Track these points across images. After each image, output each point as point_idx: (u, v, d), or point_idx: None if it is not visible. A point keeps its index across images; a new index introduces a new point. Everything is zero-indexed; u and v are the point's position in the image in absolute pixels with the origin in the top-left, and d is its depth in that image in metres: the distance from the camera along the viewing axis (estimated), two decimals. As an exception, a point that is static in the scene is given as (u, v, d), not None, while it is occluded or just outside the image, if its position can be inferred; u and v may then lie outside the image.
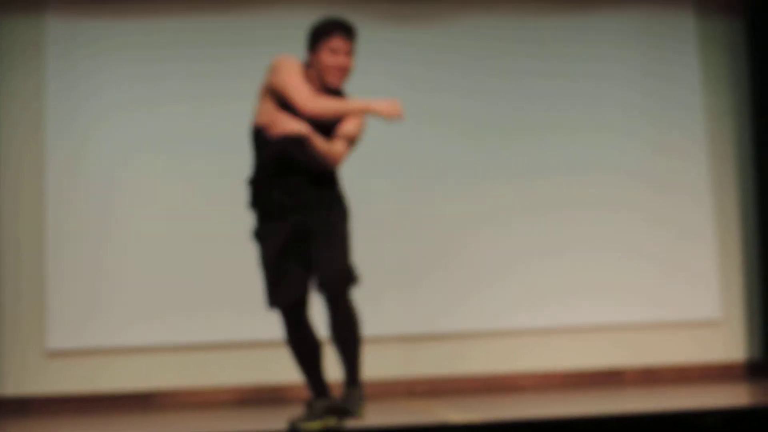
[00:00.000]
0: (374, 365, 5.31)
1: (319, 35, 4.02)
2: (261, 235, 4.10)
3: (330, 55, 3.98)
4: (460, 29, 6.29)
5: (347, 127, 4.01)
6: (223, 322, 5.99)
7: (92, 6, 6.07)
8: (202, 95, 6.09)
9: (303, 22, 5.99)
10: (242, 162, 5.69)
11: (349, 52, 4.00)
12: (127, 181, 6.04)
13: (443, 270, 6.16)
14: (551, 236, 6.23)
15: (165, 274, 5.99)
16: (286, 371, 5.19)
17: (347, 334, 3.90)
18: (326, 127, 3.99)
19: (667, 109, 6.38)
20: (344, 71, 4.00)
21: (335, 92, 4.05)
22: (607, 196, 6.29)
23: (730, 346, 6.30)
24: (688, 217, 6.33)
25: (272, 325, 4.83)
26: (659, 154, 6.35)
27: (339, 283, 3.86)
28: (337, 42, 3.98)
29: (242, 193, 5.52)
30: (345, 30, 4.01)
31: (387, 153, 6.08)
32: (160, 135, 6.06)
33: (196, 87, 6.09)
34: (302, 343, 4.05)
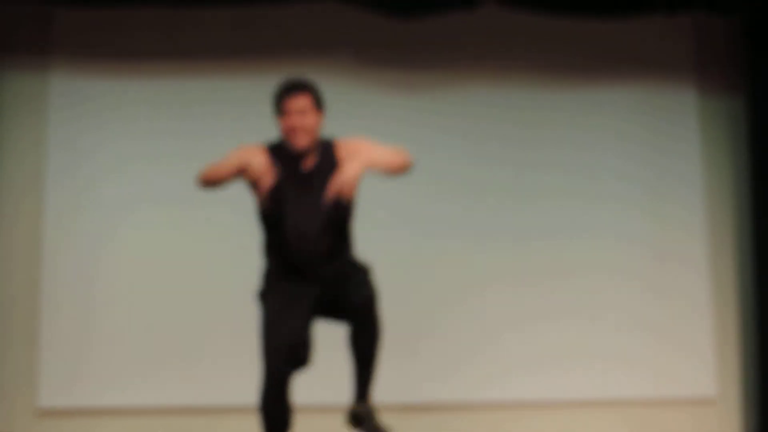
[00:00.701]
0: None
1: (274, 104, 4.02)
2: (269, 291, 4.05)
3: (284, 118, 3.97)
4: (466, 98, 6.35)
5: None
6: (218, 385, 5.96)
7: (95, 65, 6.13)
8: (201, 154, 6.09)
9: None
10: (238, 221, 5.73)
11: (304, 109, 3.93)
12: (122, 239, 6.04)
13: (434, 337, 6.14)
14: (544, 304, 6.22)
15: (160, 334, 5.97)
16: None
17: (369, 346, 3.97)
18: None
19: (666, 181, 6.40)
20: (299, 131, 3.93)
21: (303, 153, 3.95)
22: (603, 265, 6.29)
23: (725, 424, 6.26)
24: (685, 289, 6.33)
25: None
26: (658, 226, 6.37)
27: (368, 299, 3.92)
28: (287, 103, 3.95)
29: (237, 254, 5.58)
30: (290, 87, 3.97)
31: (379, 216, 6.05)
32: (157, 194, 6.07)
33: (194, 146, 6.08)
34: (285, 412, 3.93)
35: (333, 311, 4.05)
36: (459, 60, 6.35)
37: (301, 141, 3.95)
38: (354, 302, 3.95)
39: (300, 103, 3.94)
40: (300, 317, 3.94)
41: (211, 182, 3.98)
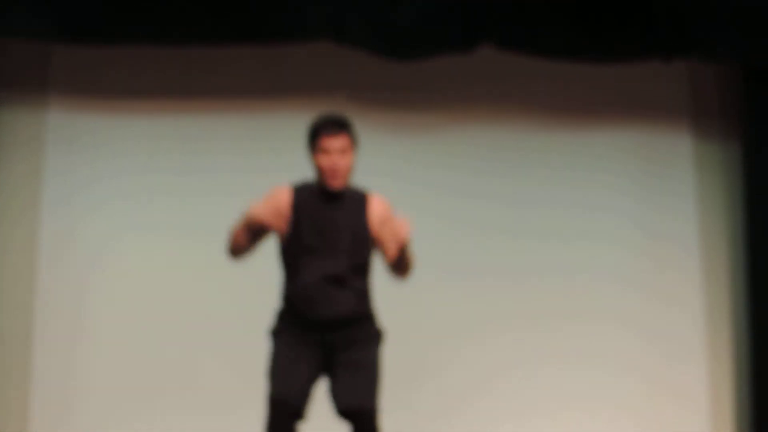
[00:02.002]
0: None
1: (310, 138, 3.91)
2: (279, 334, 3.98)
3: (322, 157, 3.86)
4: (461, 141, 6.35)
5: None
6: (212, 419, 5.91)
7: (93, 102, 6.15)
8: (195, 192, 6.14)
9: (300, 122, 6.12)
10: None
11: (344, 149, 3.84)
12: (116, 275, 6.02)
13: (430, 381, 6.10)
14: (537, 347, 6.18)
15: (152, 369, 5.93)
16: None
17: None
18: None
19: (662, 227, 6.39)
20: (339, 171, 3.86)
21: (337, 195, 3.88)
22: (598, 309, 6.26)
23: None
24: (680, 334, 6.29)
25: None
26: (653, 273, 6.35)
27: (369, 413, 3.80)
28: (326, 141, 3.84)
29: (233, 289, 5.57)
30: (332, 125, 3.86)
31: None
32: (151, 231, 6.07)
33: (193, 186, 6.13)
34: None
35: (333, 383, 3.95)
36: (454, 102, 6.37)
37: (339, 183, 3.87)
38: (353, 406, 3.84)
39: (341, 142, 3.84)
40: (302, 376, 3.86)
41: (235, 252, 3.94)
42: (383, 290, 5.88)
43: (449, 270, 6.23)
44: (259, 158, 6.13)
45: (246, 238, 3.90)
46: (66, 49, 6.10)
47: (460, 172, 6.35)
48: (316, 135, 3.88)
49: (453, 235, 6.28)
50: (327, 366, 3.93)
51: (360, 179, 6.13)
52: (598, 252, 6.34)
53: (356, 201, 3.95)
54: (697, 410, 6.24)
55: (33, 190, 6.08)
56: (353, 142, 3.90)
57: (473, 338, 6.19)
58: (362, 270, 3.95)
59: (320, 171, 3.89)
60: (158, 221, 6.09)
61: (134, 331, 5.99)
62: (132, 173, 6.12)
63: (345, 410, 3.84)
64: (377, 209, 3.97)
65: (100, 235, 6.05)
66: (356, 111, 6.24)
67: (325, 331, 3.89)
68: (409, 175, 6.28)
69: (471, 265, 6.27)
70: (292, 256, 3.92)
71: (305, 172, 5.39)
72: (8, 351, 5.93)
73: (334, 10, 5.79)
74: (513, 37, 6.01)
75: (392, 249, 3.77)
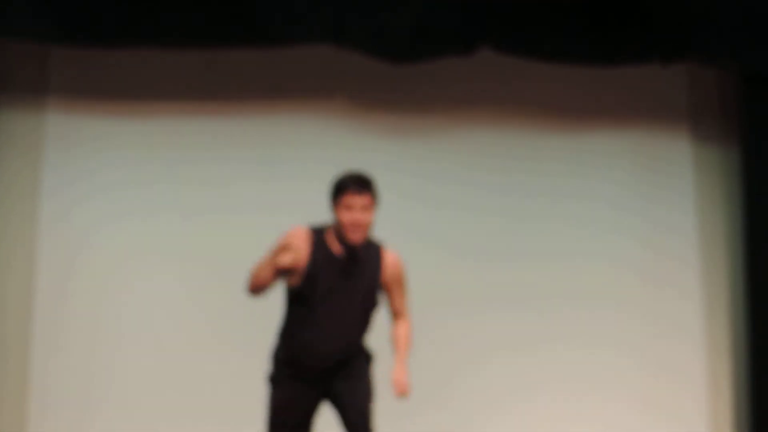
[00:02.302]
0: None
1: (334, 193, 4.06)
2: (276, 381, 4.20)
3: (345, 212, 4.00)
4: (460, 143, 6.36)
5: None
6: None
7: (92, 105, 6.13)
8: (202, 201, 6.11)
9: (303, 129, 6.15)
10: (239, 273, 5.70)
11: (366, 206, 4.00)
12: (119, 286, 6.00)
13: (435, 406, 6.07)
14: (535, 374, 6.18)
15: (155, 390, 5.91)
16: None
17: None
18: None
19: (660, 231, 6.40)
20: (360, 227, 3.99)
21: (354, 248, 4.05)
22: (595, 330, 6.26)
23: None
24: (677, 349, 6.30)
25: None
26: (650, 276, 6.35)
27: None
28: (350, 198, 3.99)
29: (237, 308, 5.54)
30: (357, 184, 4.02)
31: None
32: (155, 242, 6.05)
33: (196, 192, 6.11)
34: None
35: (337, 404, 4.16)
36: (454, 105, 6.37)
37: (359, 238, 4.02)
38: (359, 419, 4.07)
39: (365, 200, 4.01)
40: (299, 425, 4.14)
41: (257, 291, 4.10)
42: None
43: (452, 268, 6.22)
44: (259, 160, 6.12)
45: (271, 279, 4.06)
46: (64, 50, 6.09)
47: (459, 175, 6.35)
48: (340, 191, 4.04)
49: (452, 238, 6.27)
50: (326, 393, 4.16)
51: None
52: (596, 266, 6.32)
53: (371, 258, 4.14)
54: (696, 393, 6.26)
55: (31, 192, 6.05)
56: (375, 201, 4.07)
57: (473, 319, 6.17)
58: (363, 318, 4.16)
59: (342, 225, 4.04)
60: (157, 223, 6.06)
61: (134, 330, 5.97)
62: (131, 175, 6.10)
63: (354, 423, 4.07)
64: (390, 265, 4.17)
65: (100, 237, 6.02)
66: (356, 113, 6.28)
67: (324, 372, 4.12)
68: (409, 177, 6.27)
69: (474, 255, 6.25)
70: (300, 304, 4.11)
71: (303, 173, 5.42)
72: (6, 351, 5.90)
73: (335, 13, 5.80)
74: (512, 40, 6.03)
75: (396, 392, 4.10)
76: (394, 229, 6.06)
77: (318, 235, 4.09)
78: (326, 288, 4.03)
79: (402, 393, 4.04)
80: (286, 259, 3.92)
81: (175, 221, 6.05)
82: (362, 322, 4.15)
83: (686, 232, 6.41)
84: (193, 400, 5.91)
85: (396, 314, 4.23)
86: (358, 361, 4.15)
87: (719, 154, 6.53)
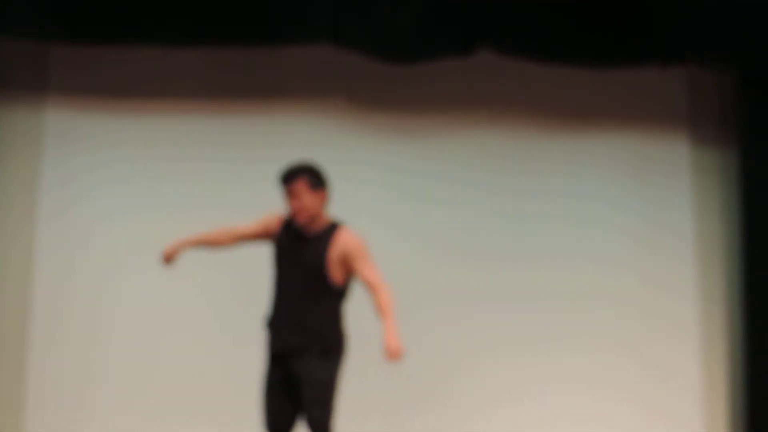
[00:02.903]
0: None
1: None
2: (266, 359, 4.56)
3: (286, 202, 4.52)
4: (458, 144, 6.35)
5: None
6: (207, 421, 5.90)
7: (91, 103, 6.12)
8: (200, 199, 6.09)
9: (305, 127, 6.15)
10: (237, 270, 5.72)
11: (294, 193, 4.46)
12: (118, 285, 5.99)
13: (433, 402, 6.08)
14: (541, 373, 6.17)
15: (152, 385, 5.91)
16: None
17: None
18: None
19: (657, 232, 6.40)
20: (297, 212, 4.46)
21: (306, 230, 4.49)
22: (593, 330, 6.25)
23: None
24: (674, 350, 6.30)
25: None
26: (647, 278, 6.34)
27: (321, 426, 4.30)
28: (283, 190, 4.51)
29: (234, 304, 5.55)
30: (282, 178, 4.51)
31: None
32: (153, 239, 5.99)
33: (194, 189, 6.10)
34: None
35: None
36: (453, 105, 6.37)
37: (302, 219, 4.48)
38: (308, 419, 4.36)
39: (293, 188, 4.48)
40: (277, 402, 4.46)
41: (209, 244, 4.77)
42: (391, 268, 6.00)
43: (450, 267, 6.22)
44: (257, 159, 6.11)
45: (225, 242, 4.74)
46: (63, 48, 6.08)
47: (458, 175, 6.34)
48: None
49: (451, 237, 6.26)
50: (289, 379, 4.46)
51: (359, 180, 6.17)
52: (594, 267, 6.32)
53: (323, 237, 4.49)
54: (692, 392, 6.26)
55: (30, 189, 6.04)
56: (312, 184, 4.50)
57: (472, 318, 6.18)
58: (317, 299, 4.42)
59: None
60: (156, 219, 6.03)
61: (132, 325, 5.97)
62: (129, 172, 6.09)
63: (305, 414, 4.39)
64: (340, 242, 4.46)
65: (98, 233, 6.01)
66: (356, 113, 6.28)
67: (285, 360, 4.46)
68: (408, 177, 6.28)
69: (473, 255, 6.25)
70: (272, 283, 4.56)
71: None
72: (4, 344, 5.90)
73: (334, 12, 5.80)
74: (511, 42, 6.03)
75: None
76: (392, 227, 6.11)
77: (289, 220, 4.56)
78: (283, 262, 4.50)
79: (393, 357, 4.21)
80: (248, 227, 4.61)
81: (173, 218, 6.02)
82: (315, 304, 4.41)
83: (684, 233, 6.41)
84: (191, 397, 5.91)
85: (369, 286, 4.39)
86: (314, 352, 4.37)
87: (718, 156, 6.53)
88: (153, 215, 6.06)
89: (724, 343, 6.38)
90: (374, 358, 5.86)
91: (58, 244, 5.99)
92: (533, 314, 6.23)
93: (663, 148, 6.49)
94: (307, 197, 4.45)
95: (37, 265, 5.96)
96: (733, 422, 6.30)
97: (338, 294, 4.47)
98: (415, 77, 6.23)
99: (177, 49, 6.00)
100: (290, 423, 4.45)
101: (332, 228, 4.51)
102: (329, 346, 4.42)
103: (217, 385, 5.87)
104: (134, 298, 6.00)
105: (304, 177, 4.48)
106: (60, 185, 6.04)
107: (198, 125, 6.17)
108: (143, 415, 5.88)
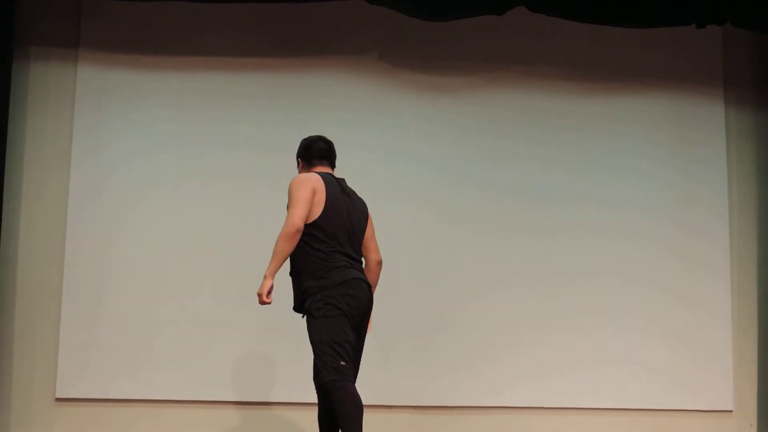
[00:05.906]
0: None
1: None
2: None
3: None
4: (492, 101, 6.34)
5: None
6: (232, 381, 5.97)
7: (121, 56, 6.12)
8: (225, 138, 6.13)
9: (331, 80, 6.14)
10: (261, 200, 5.78)
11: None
12: (145, 223, 6.02)
13: (449, 337, 6.12)
14: (563, 307, 6.22)
15: (176, 330, 5.96)
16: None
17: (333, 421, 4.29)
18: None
19: (693, 191, 6.42)
20: None
21: None
22: (626, 270, 6.28)
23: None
24: (708, 298, 6.32)
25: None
26: (683, 235, 6.37)
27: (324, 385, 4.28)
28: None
29: (260, 244, 5.51)
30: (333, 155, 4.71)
31: (396, 212, 6.09)
32: (180, 179, 6.08)
33: (219, 130, 6.11)
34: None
35: None
36: (486, 63, 6.35)
37: None
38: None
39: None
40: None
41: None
42: (402, 246, 6.00)
43: (473, 228, 6.24)
44: (288, 115, 6.12)
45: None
46: (95, 3, 6.10)
47: (489, 134, 6.34)
48: None
49: (479, 195, 6.26)
50: None
51: (389, 138, 6.17)
52: (628, 215, 6.33)
53: None
54: (723, 374, 6.27)
55: (63, 142, 6.07)
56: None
57: (497, 295, 6.20)
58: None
59: None
60: (185, 172, 6.08)
61: (162, 280, 6.00)
62: (159, 126, 6.11)
63: None
64: None
65: (129, 185, 6.05)
66: (387, 70, 6.25)
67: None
68: (437, 134, 6.27)
69: (496, 224, 6.26)
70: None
71: (334, 127, 5.36)
72: (39, 299, 5.97)
73: (367, -30, 5.76)
74: (545, 0, 5.96)
75: None
76: (421, 180, 6.13)
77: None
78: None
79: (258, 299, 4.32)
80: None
81: (197, 156, 6.06)
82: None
83: (719, 191, 6.42)
84: (217, 329, 5.97)
85: None
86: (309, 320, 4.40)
87: (753, 118, 6.50)
88: (176, 154, 6.09)
89: (756, 290, 6.38)
90: (403, 336, 6.03)
91: (90, 191, 6.02)
92: (566, 288, 6.26)
93: (698, 106, 6.48)
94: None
95: (71, 211, 6.00)
96: (765, 399, 6.29)
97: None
98: (447, 34, 6.21)
99: (207, 5, 6.00)
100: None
101: None
102: (310, 303, 4.38)
103: (248, 315, 5.76)
104: (160, 225, 6.03)
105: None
106: (90, 131, 6.05)
107: (229, 81, 6.16)
108: (168, 344, 5.96)
